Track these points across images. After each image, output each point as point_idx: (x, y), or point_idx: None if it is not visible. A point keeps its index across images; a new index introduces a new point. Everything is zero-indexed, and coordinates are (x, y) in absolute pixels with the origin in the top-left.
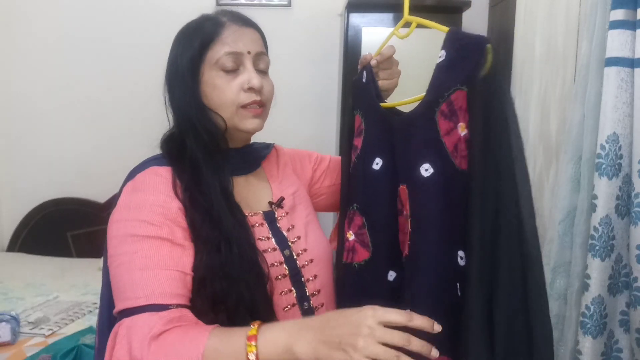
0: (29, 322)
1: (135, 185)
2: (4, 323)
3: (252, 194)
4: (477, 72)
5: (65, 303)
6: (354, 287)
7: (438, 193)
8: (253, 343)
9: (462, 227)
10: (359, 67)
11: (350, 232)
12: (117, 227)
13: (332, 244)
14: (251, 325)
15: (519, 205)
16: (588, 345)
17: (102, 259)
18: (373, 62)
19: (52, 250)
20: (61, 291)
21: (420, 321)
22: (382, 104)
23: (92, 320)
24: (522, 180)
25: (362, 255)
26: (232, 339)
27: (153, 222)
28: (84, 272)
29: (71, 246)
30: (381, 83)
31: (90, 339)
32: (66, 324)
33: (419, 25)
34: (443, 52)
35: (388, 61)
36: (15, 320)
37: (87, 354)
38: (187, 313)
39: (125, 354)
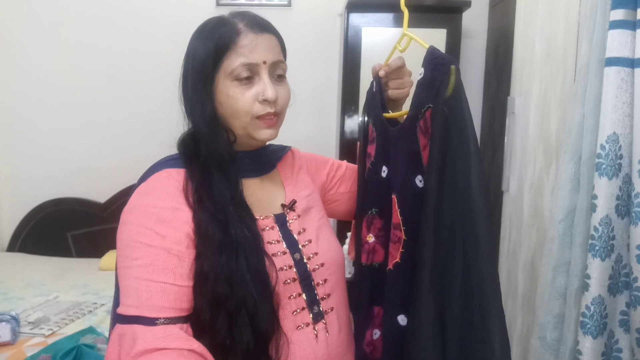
0: (29, 322)
1: (146, 188)
2: (4, 323)
3: (266, 196)
4: (441, 92)
5: (65, 303)
6: (375, 286)
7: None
8: None
9: None
10: (372, 76)
11: (371, 234)
12: (125, 229)
13: (350, 254)
14: None
15: (475, 226)
16: (588, 345)
17: (101, 259)
18: (381, 74)
19: (52, 250)
20: (61, 291)
21: None
22: (385, 114)
23: (92, 320)
24: (479, 202)
25: (382, 255)
26: None
27: (158, 230)
28: (84, 272)
29: (71, 246)
30: (391, 93)
31: (90, 339)
32: (66, 324)
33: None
34: (422, 70)
35: (398, 72)
36: (15, 320)
37: (87, 354)
38: (173, 330)
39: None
